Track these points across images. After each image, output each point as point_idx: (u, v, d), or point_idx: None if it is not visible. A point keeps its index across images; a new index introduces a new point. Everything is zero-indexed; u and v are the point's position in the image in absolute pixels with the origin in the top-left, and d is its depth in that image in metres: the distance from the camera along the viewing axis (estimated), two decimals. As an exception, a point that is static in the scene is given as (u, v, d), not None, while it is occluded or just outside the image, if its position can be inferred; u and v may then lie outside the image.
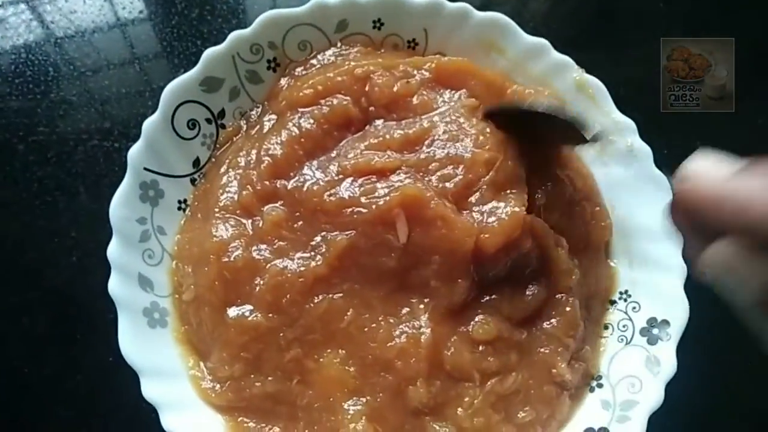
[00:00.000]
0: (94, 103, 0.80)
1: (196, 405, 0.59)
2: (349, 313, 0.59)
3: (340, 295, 0.59)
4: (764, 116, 0.84)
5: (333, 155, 0.63)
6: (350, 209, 0.59)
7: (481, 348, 0.59)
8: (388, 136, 0.62)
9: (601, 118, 0.67)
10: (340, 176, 0.60)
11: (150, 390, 0.56)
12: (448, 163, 0.61)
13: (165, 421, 0.55)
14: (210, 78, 0.65)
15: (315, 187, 0.60)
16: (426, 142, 0.62)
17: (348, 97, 0.64)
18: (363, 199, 0.59)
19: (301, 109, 0.64)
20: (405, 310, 0.59)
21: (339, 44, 0.70)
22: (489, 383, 0.59)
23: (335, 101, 0.64)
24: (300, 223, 0.61)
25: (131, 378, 0.57)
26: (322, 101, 0.64)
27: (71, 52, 0.83)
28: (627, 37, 0.88)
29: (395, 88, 0.65)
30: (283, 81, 0.69)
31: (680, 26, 0.89)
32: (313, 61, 0.69)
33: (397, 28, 0.70)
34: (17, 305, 0.73)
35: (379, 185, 0.59)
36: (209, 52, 0.64)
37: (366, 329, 0.59)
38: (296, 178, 0.62)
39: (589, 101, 0.68)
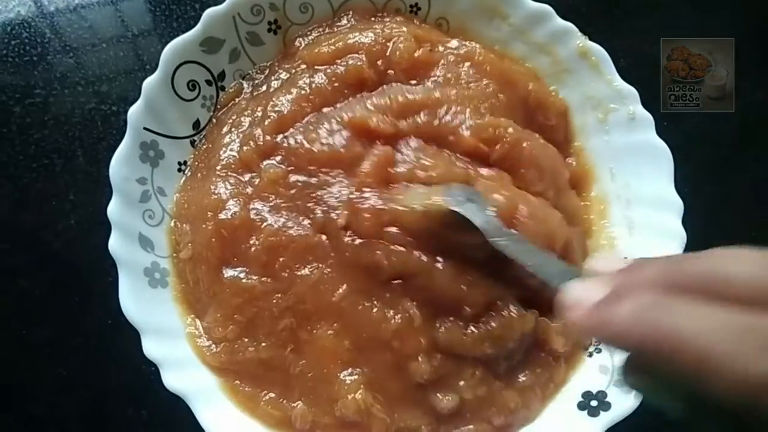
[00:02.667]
0: (92, 66, 0.79)
1: (195, 364, 0.59)
2: (342, 288, 0.58)
3: (332, 268, 0.58)
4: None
5: (336, 108, 0.63)
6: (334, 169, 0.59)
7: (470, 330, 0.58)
8: (392, 96, 0.62)
9: (603, 86, 0.67)
10: (337, 128, 0.60)
11: (150, 348, 0.56)
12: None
13: (166, 378, 0.55)
14: (210, 38, 0.64)
15: (310, 135, 0.60)
16: (425, 112, 0.61)
17: (363, 58, 0.64)
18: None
19: (316, 67, 0.64)
20: (387, 295, 0.58)
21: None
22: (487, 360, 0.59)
23: (351, 61, 0.64)
24: (294, 178, 0.60)
25: (131, 340, 0.56)
26: (339, 60, 0.64)
27: (68, 16, 0.82)
28: (629, 7, 0.88)
29: (417, 54, 0.64)
30: (299, 41, 0.68)
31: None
32: (340, 23, 0.69)
33: (399, -9, 0.69)
34: (15, 268, 0.72)
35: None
36: (209, 12, 0.64)
37: (360, 307, 0.57)
38: (296, 128, 0.62)
39: (591, 69, 0.68)
